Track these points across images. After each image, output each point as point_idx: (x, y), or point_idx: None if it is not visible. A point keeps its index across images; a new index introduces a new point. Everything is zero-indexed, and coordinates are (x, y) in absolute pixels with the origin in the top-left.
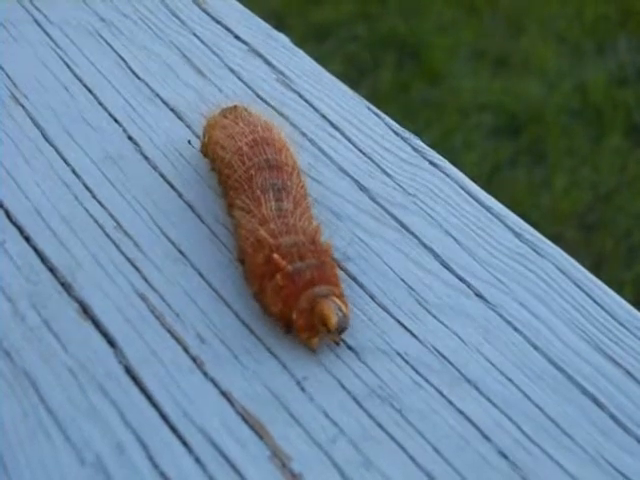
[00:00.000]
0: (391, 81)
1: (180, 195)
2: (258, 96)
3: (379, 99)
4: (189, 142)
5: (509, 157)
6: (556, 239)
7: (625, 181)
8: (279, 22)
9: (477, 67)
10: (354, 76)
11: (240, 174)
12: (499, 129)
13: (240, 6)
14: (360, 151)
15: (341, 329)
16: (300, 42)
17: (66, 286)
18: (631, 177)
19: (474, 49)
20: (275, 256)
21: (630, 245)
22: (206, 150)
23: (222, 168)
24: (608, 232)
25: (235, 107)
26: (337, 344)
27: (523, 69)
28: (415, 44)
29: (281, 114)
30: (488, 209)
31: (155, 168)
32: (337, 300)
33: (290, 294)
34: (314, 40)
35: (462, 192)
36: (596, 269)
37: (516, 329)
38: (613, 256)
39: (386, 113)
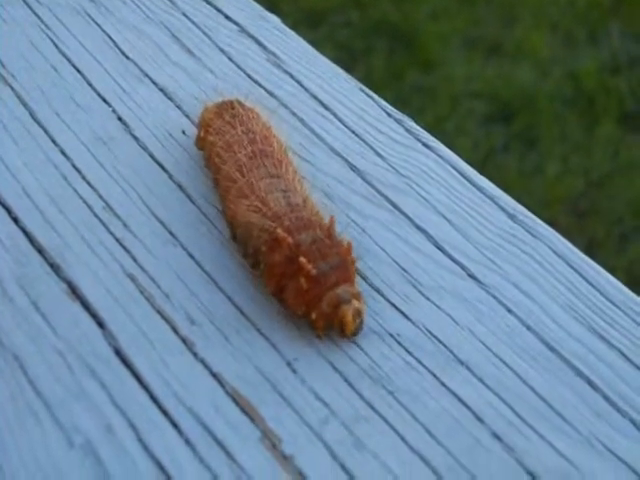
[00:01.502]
0: (384, 68)
1: (170, 176)
2: (249, 77)
3: (372, 86)
4: (183, 132)
5: (501, 144)
6: (548, 225)
7: (617, 168)
8: (270, 7)
9: (470, 54)
10: (346, 62)
11: (241, 185)
12: (491, 116)
13: None
14: (352, 132)
15: (355, 334)
16: (292, 28)
17: (55, 267)
18: (623, 164)
19: (467, 36)
20: (302, 260)
21: (622, 232)
22: (201, 145)
23: (220, 179)
24: (600, 219)
25: (232, 104)
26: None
27: (516, 56)
28: (408, 31)
29: (272, 95)
30: (481, 190)
31: (145, 148)
32: (358, 304)
33: (313, 296)
34: (306, 26)
35: (455, 173)
36: (588, 255)
37: (509, 310)
38: (605, 242)
39: None
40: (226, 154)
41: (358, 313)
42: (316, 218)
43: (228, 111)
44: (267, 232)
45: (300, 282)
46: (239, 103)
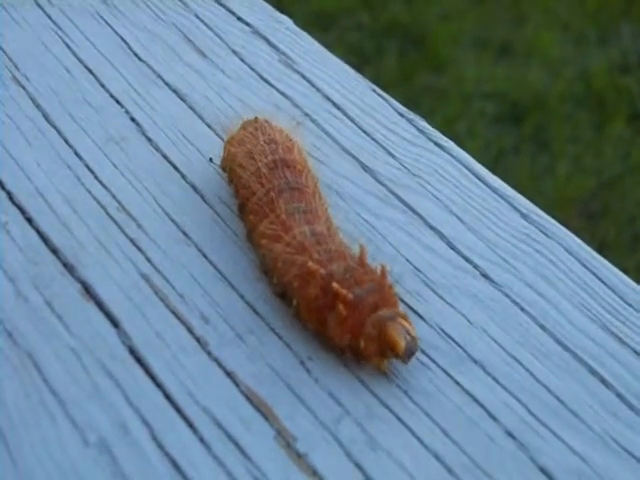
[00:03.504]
0: (394, 69)
1: (183, 176)
2: (261, 77)
3: (383, 87)
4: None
5: (512, 144)
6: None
7: (628, 168)
8: (280, 10)
9: (480, 55)
10: (357, 64)
11: (259, 196)
12: (502, 116)
13: None
14: (364, 132)
15: (410, 353)
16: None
17: (69, 267)
18: (634, 164)
19: (477, 37)
20: (335, 285)
21: (633, 232)
22: (224, 164)
23: (239, 187)
24: (611, 219)
25: (256, 118)
26: (405, 363)
27: (526, 57)
28: (418, 32)
29: (284, 95)
30: (494, 190)
31: (157, 149)
32: (404, 322)
33: (355, 322)
34: (316, 29)
35: (468, 173)
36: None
37: (523, 309)
38: (616, 243)
39: None
40: (247, 162)
41: (408, 331)
42: (343, 249)
43: (251, 124)
44: (295, 266)
45: (339, 309)
46: (264, 120)
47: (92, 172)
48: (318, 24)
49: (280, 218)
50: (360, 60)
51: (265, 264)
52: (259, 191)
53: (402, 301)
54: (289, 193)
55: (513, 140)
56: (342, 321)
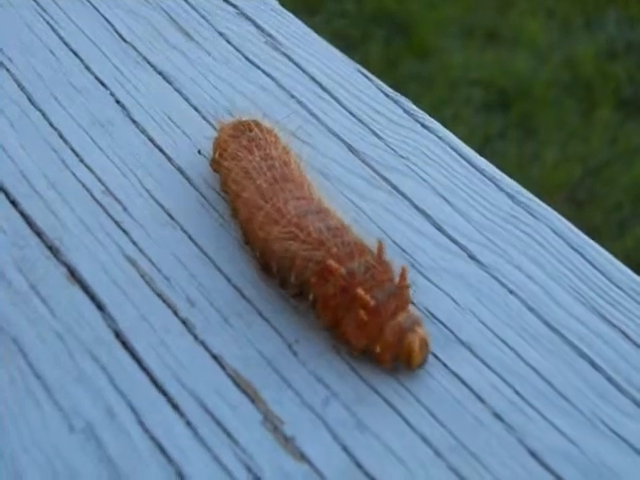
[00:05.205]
0: (380, 56)
1: (169, 159)
2: (247, 59)
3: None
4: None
5: (499, 131)
6: None
7: (615, 154)
8: None
9: (466, 42)
10: (343, 51)
11: (267, 210)
12: (489, 103)
13: None
14: (350, 113)
15: (421, 366)
16: None
17: (54, 250)
18: (621, 150)
19: (463, 24)
20: (360, 291)
21: (620, 218)
22: (217, 167)
23: (240, 206)
24: (598, 205)
25: (249, 125)
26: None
27: (512, 43)
28: (404, 19)
29: (270, 77)
30: (481, 171)
31: (143, 132)
32: (423, 333)
33: (374, 327)
34: (303, 14)
35: (455, 154)
36: None
37: (511, 291)
38: (604, 229)
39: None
40: (244, 181)
41: (425, 343)
42: (362, 242)
43: (245, 134)
44: (314, 262)
45: (359, 314)
46: (256, 124)
47: (77, 155)
48: (304, 9)
49: (292, 221)
50: (346, 47)
51: (282, 267)
52: (265, 207)
53: None
54: (297, 202)
55: (500, 127)
56: (362, 326)
